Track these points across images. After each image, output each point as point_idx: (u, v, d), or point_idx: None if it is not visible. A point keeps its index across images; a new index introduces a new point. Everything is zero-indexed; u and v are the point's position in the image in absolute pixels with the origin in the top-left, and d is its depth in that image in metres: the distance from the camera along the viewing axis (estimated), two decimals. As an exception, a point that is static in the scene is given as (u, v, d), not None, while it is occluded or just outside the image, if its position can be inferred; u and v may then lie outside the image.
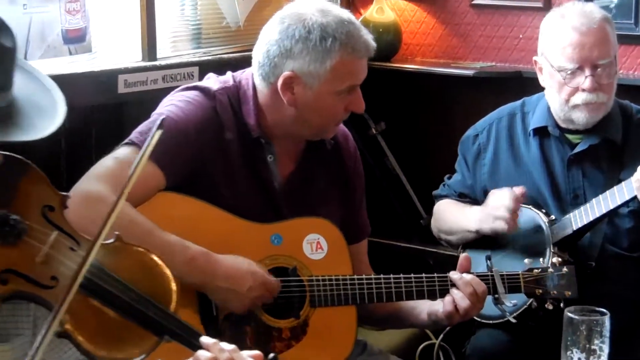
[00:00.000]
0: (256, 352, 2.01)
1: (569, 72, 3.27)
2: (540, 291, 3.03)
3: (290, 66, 2.76)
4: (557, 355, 2.59)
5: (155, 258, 2.09)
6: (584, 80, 3.25)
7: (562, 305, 3.01)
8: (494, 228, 3.24)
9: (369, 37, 2.81)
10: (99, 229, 1.86)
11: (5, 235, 1.90)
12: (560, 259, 3.15)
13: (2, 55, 1.84)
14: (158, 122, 1.97)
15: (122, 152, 2.70)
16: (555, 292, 3.04)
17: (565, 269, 3.06)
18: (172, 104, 2.83)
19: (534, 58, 3.42)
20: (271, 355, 2.05)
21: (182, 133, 2.73)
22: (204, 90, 2.85)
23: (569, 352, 2.55)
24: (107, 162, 2.68)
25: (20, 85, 1.89)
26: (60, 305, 1.78)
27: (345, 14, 2.81)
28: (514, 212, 3.20)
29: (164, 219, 2.67)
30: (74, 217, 2.00)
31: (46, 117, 1.91)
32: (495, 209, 3.24)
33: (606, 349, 2.54)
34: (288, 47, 2.75)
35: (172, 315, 2.01)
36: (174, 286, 2.07)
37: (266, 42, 2.80)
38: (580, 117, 3.30)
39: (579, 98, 3.28)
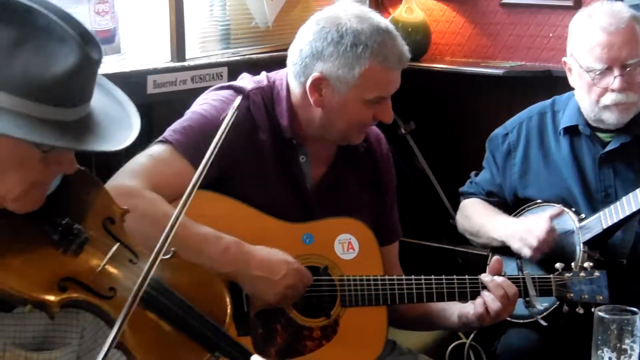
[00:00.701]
0: None
1: (597, 72, 3.26)
2: (572, 295, 3.03)
3: (320, 68, 2.77)
4: (588, 355, 2.58)
5: (212, 275, 2.14)
6: (613, 80, 3.24)
7: (593, 310, 2.99)
8: (518, 250, 3.24)
9: (404, 49, 2.80)
10: (160, 243, 1.87)
11: (69, 244, 1.93)
12: (591, 263, 3.13)
13: (89, 67, 1.85)
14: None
15: (155, 149, 2.74)
16: (586, 296, 3.03)
17: (597, 273, 3.05)
18: (206, 103, 2.85)
19: (563, 59, 3.40)
20: None
21: (215, 132, 2.74)
22: (238, 90, 2.87)
23: (599, 352, 2.54)
24: (141, 159, 2.70)
25: (96, 98, 1.91)
26: (124, 318, 1.79)
27: (383, 22, 2.80)
28: (544, 244, 3.19)
29: (196, 216, 2.66)
30: None
31: (123, 128, 1.92)
32: (527, 233, 3.24)
33: (637, 348, 2.53)
34: (319, 48, 2.76)
35: (225, 333, 2.04)
36: (228, 304, 2.11)
37: (300, 42, 2.82)
38: (611, 118, 3.29)
39: (609, 98, 3.27)
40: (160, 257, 1.89)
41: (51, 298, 1.87)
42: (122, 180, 2.64)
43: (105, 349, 1.77)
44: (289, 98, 2.86)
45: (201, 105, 2.85)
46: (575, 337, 3.00)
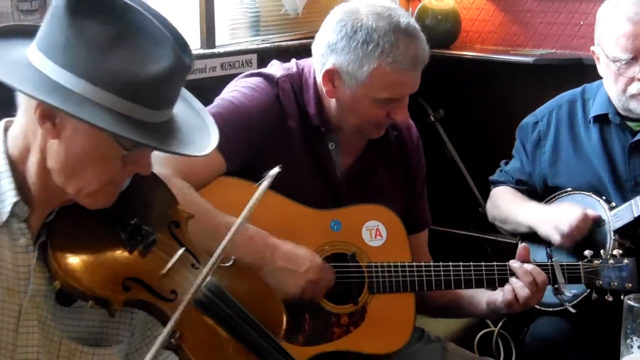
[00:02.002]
0: None
1: (623, 62, 3.24)
2: (601, 282, 3.01)
3: (333, 60, 2.76)
4: (617, 343, 2.58)
5: (268, 284, 2.19)
6: (639, 70, 3.22)
7: (622, 297, 2.98)
8: (548, 235, 3.23)
9: (420, 51, 2.75)
10: (219, 250, 1.90)
11: (137, 244, 1.96)
12: (621, 251, 3.12)
13: (181, 72, 1.88)
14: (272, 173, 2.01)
15: None
16: (615, 283, 3.01)
17: (626, 261, 3.03)
18: (236, 90, 2.85)
19: (592, 48, 3.39)
20: None
21: (245, 119, 2.75)
22: (268, 77, 2.87)
23: (628, 340, 2.54)
24: None
25: (177, 106, 1.94)
26: (176, 318, 1.83)
27: (404, 21, 2.73)
28: (576, 231, 3.19)
29: (224, 202, 2.68)
30: None
31: (203, 135, 1.96)
32: (560, 221, 3.22)
33: (667, 337, 2.53)
34: (334, 41, 2.75)
35: (279, 344, 2.06)
36: (284, 317, 2.14)
37: (321, 32, 2.81)
38: (638, 107, 3.28)
39: (635, 88, 3.25)
40: (219, 263, 1.94)
41: (115, 296, 1.90)
42: (153, 168, 2.66)
43: (155, 347, 1.80)
44: (316, 86, 2.86)
45: (230, 93, 2.85)
46: (604, 326, 2.99)
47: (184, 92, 2.01)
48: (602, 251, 3.10)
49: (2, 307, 1.89)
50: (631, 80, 3.25)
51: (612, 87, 3.32)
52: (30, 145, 1.90)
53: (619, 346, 2.57)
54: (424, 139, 4.58)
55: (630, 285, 3.00)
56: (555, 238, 3.21)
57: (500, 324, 3.83)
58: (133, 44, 1.81)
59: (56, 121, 1.83)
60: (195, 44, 3.94)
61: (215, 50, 3.92)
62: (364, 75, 2.72)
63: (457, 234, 4.35)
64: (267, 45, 4.19)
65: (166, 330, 1.81)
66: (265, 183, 1.98)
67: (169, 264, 1.98)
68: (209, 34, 3.96)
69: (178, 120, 1.93)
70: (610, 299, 3.03)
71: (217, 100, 2.84)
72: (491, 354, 3.80)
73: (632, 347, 2.54)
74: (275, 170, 1.99)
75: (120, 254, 1.95)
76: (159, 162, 2.65)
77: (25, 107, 1.89)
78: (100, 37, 1.80)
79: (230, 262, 2.11)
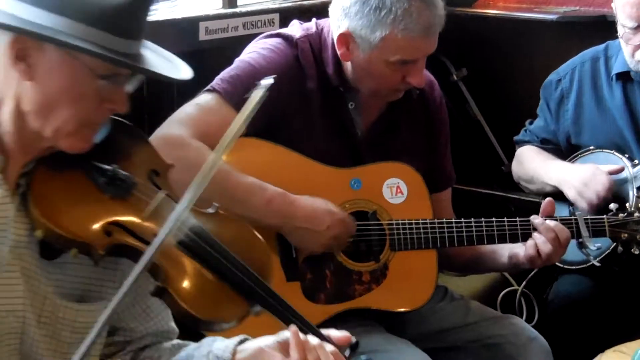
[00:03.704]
0: (345, 334, 2.04)
1: (628, 29, 3.23)
2: (626, 235, 2.99)
3: (346, 24, 2.76)
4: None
5: (254, 232, 2.15)
6: None
7: None
8: (574, 200, 3.21)
9: (433, 18, 2.74)
10: (195, 185, 1.86)
11: (116, 189, 1.96)
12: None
13: (147, 4, 1.91)
14: (261, 84, 1.94)
15: (203, 98, 2.75)
16: None
17: None
18: (255, 52, 2.85)
19: (612, 4, 3.36)
20: (354, 340, 2.06)
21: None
22: (287, 38, 2.87)
23: (651, 297, 2.54)
24: (188, 109, 2.73)
25: (146, 53, 1.94)
26: (153, 249, 1.80)
27: None
28: (603, 202, 3.16)
29: (246, 163, 2.70)
30: None
31: (174, 69, 1.96)
32: (586, 190, 3.21)
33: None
34: (347, 5, 2.75)
35: (266, 285, 2.04)
36: (270, 259, 2.14)
37: None
38: None
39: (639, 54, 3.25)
40: (202, 210, 1.95)
41: (97, 241, 1.90)
42: (170, 129, 2.66)
43: (134, 273, 1.77)
44: (334, 47, 2.85)
45: (250, 54, 2.85)
46: (627, 284, 2.99)
47: (150, 44, 2.01)
48: (627, 204, 3.08)
49: None
50: (637, 47, 3.24)
51: (625, 49, 3.32)
52: (3, 93, 1.89)
53: (641, 304, 2.58)
54: (446, 98, 4.57)
55: None
56: (582, 205, 3.19)
57: (524, 283, 3.84)
58: None
59: (30, 61, 1.84)
60: (217, 4, 3.92)
61: (237, 10, 3.89)
62: (376, 40, 2.72)
63: (480, 192, 4.35)
64: (289, 4, 4.16)
65: (143, 259, 1.78)
66: (258, 92, 1.95)
67: (150, 207, 1.98)
68: (230, -7, 3.95)
69: (148, 58, 1.93)
70: (637, 252, 3.01)
71: (236, 62, 2.84)
72: (514, 312, 3.81)
73: (655, 303, 2.55)
74: (270, 80, 1.95)
75: (100, 199, 1.95)
76: (177, 124, 2.66)
77: None
78: None
79: (213, 210, 2.10)
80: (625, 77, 3.38)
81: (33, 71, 1.85)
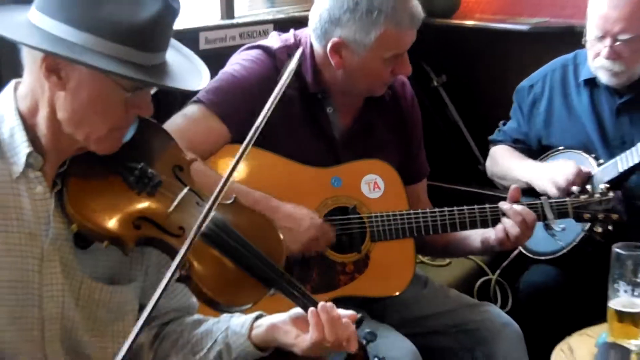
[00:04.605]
0: (351, 312, 2.10)
1: (593, 37, 3.23)
2: (589, 215, 2.95)
3: (339, 33, 2.74)
4: (604, 289, 2.58)
5: (268, 219, 2.20)
6: (603, 48, 3.21)
7: (610, 227, 2.97)
8: (546, 190, 3.20)
9: (415, 9, 2.76)
10: (219, 187, 1.91)
11: (144, 186, 1.98)
12: (607, 185, 3.11)
13: (170, 15, 1.89)
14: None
15: (190, 109, 2.78)
16: (602, 215, 2.95)
17: (611, 194, 2.95)
18: (237, 63, 2.86)
19: (587, 11, 3.35)
20: (359, 315, 2.11)
21: (245, 90, 2.76)
22: (266, 49, 2.86)
23: (615, 285, 2.54)
24: (177, 120, 2.75)
25: (168, 54, 1.95)
26: (185, 250, 1.84)
27: None
28: (571, 185, 3.14)
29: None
30: None
31: (194, 75, 1.97)
32: (556, 175, 3.20)
33: (651, 282, 2.53)
34: (337, 15, 2.73)
35: (280, 270, 2.07)
36: (282, 246, 2.15)
37: (319, 8, 2.78)
38: (603, 78, 3.30)
39: (599, 62, 3.26)
40: (221, 200, 1.94)
41: (127, 235, 1.94)
42: None
43: (166, 278, 1.81)
44: (313, 56, 2.85)
45: (232, 66, 2.86)
46: (593, 272, 2.99)
47: (174, 42, 2.01)
48: (588, 187, 3.08)
49: (25, 250, 1.91)
50: (597, 54, 3.24)
51: (588, 54, 3.32)
52: (38, 101, 1.91)
53: (605, 291, 2.58)
54: (427, 102, 4.60)
55: (616, 216, 2.95)
56: (553, 191, 3.18)
57: (498, 272, 3.85)
58: None
59: (61, 74, 1.85)
60: (216, 16, 3.93)
61: (234, 21, 3.90)
62: (371, 40, 2.71)
63: (458, 190, 4.34)
64: (283, 16, 4.16)
65: (177, 259, 1.82)
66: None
67: (175, 202, 2.00)
68: (228, 7, 3.94)
69: (171, 64, 1.94)
70: (599, 229, 2.99)
71: (220, 74, 2.84)
72: (489, 300, 3.82)
73: (618, 291, 2.55)
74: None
75: (129, 196, 1.97)
76: None
77: (30, 66, 1.90)
78: None
79: (232, 200, 2.12)
80: (592, 83, 3.38)
81: (65, 83, 1.86)
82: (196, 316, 2.22)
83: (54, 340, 1.97)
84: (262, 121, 2.01)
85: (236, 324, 2.09)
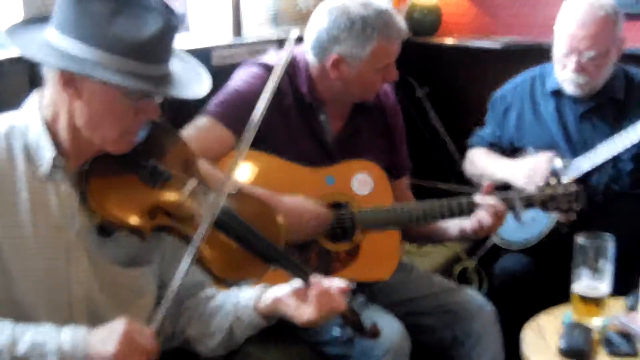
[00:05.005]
0: (344, 283, 2.12)
1: (560, 53, 3.21)
2: (554, 206, 2.94)
3: (337, 50, 2.77)
4: (569, 274, 2.59)
5: (268, 205, 2.21)
6: (570, 63, 3.19)
7: (573, 217, 2.97)
8: (524, 186, 3.18)
9: (402, 24, 2.80)
10: (225, 180, 1.95)
11: (156, 180, 2.00)
12: (570, 179, 3.11)
13: (171, 31, 1.91)
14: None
15: (200, 121, 2.79)
16: (566, 206, 2.95)
17: (574, 187, 2.95)
18: (240, 79, 2.87)
19: (554, 27, 3.34)
20: (352, 285, 2.14)
21: (248, 101, 2.72)
22: (265, 66, 2.87)
23: (578, 271, 2.55)
24: (189, 131, 2.76)
25: (173, 62, 1.97)
26: (201, 237, 1.88)
27: (383, 5, 2.78)
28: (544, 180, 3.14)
29: (240, 169, 2.74)
30: None
31: (197, 83, 1.99)
32: (534, 173, 3.18)
33: (610, 267, 2.53)
34: (336, 34, 2.75)
35: (279, 249, 2.09)
36: (281, 228, 2.16)
37: (317, 29, 2.80)
38: (568, 89, 3.27)
39: (566, 74, 3.22)
40: (228, 191, 1.97)
41: (144, 224, 1.95)
42: None
43: (184, 263, 1.86)
44: (307, 70, 2.86)
45: (236, 82, 2.87)
46: (558, 260, 2.98)
47: (179, 51, 2.03)
48: (554, 181, 3.07)
49: (54, 242, 1.94)
50: (563, 66, 3.23)
51: (555, 67, 3.29)
52: (59, 110, 1.93)
53: (569, 276, 2.58)
54: (412, 110, 4.59)
55: (579, 205, 2.95)
56: (532, 189, 3.18)
57: (476, 259, 3.85)
58: (130, 13, 1.85)
59: (77, 86, 1.87)
60: (227, 36, 3.92)
61: (243, 41, 3.90)
62: (367, 54, 2.75)
63: (440, 188, 4.35)
64: (285, 35, 4.16)
65: (192, 249, 1.86)
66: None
67: (185, 193, 2.01)
68: (237, 27, 3.94)
69: (176, 74, 1.96)
70: (563, 219, 3.04)
71: (225, 88, 2.85)
72: (468, 284, 3.82)
73: (581, 276, 2.55)
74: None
75: (144, 190, 1.99)
76: None
77: (51, 80, 1.93)
78: (102, 11, 1.83)
79: (235, 191, 2.13)
80: (558, 93, 3.36)
81: (80, 94, 1.88)
82: (209, 291, 2.23)
83: (80, 319, 1.98)
84: (258, 116, 2.05)
85: (245, 298, 2.12)
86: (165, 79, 1.93)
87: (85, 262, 1.97)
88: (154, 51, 1.88)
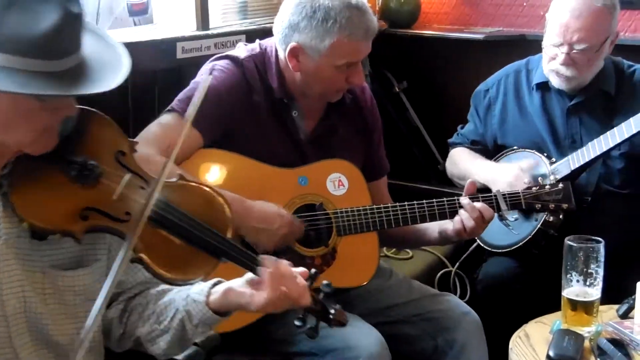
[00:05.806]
0: (302, 269, 2.10)
1: (551, 43, 3.20)
2: (540, 205, 2.95)
3: (296, 38, 2.73)
4: (557, 279, 2.56)
5: (212, 191, 2.09)
6: (560, 54, 3.17)
7: (561, 216, 2.97)
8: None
9: (370, 23, 2.74)
10: (161, 171, 1.87)
11: (86, 178, 1.90)
12: (558, 177, 3.09)
13: (73, 21, 1.79)
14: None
15: (164, 118, 2.74)
16: (553, 205, 2.95)
17: (561, 185, 2.96)
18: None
19: (546, 14, 3.32)
20: (313, 271, 2.12)
21: (215, 97, 2.72)
22: (234, 59, 2.83)
23: (568, 275, 2.53)
24: (153, 128, 2.71)
25: (88, 45, 1.85)
26: (132, 236, 1.81)
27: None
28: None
29: (205, 172, 2.72)
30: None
31: (114, 71, 1.86)
32: (516, 180, 3.14)
33: (601, 272, 2.52)
34: (296, 21, 2.72)
35: (228, 240, 2.01)
36: (228, 214, 2.07)
37: (282, 14, 2.78)
38: (555, 82, 3.26)
39: (553, 65, 3.21)
40: (165, 180, 1.89)
41: (75, 227, 1.87)
42: (140, 148, 2.64)
43: (116, 263, 1.78)
44: (278, 63, 2.83)
45: (202, 76, 2.83)
46: (546, 264, 2.97)
47: (98, 29, 1.93)
48: (539, 179, 3.05)
49: None
50: (552, 58, 3.21)
51: (543, 57, 3.28)
52: None
53: (558, 282, 2.55)
54: (390, 107, 4.57)
55: (567, 205, 2.94)
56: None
57: (458, 264, 3.82)
58: (22, 7, 1.73)
59: None
60: (192, 27, 3.88)
61: (209, 32, 3.85)
62: (325, 47, 2.71)
63: (419, 188, 4.32)
64: (254, 27, 4.11)
65: (123, 250, 1.80)
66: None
67: (118, 190, 1.92)
68: (203, 18, 3.90)
69: (90, 60, 1.85)
70: (551, 219, 3.02)
71: (191, 84, 2.82)
72: (449, 290, 3.79)
73: (571, 281, 2.53)
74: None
75: (72, 190, 1.89)
76: (144, 143, 2.59)
77: None
78: None
79: (176, 179, 2.06)
80: (544, 87, 3.35)
81: None
82: (160, 287, 2.17)
83: (21, 333, 1.91)
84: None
85: (195, 292, 2.06)
86: (73, 73, 1.80)
87: (17, 271, 1.89)
88: (54, 45, 1.76)
